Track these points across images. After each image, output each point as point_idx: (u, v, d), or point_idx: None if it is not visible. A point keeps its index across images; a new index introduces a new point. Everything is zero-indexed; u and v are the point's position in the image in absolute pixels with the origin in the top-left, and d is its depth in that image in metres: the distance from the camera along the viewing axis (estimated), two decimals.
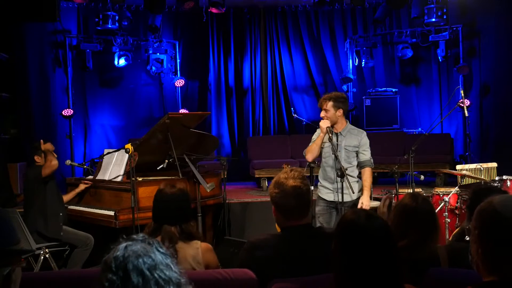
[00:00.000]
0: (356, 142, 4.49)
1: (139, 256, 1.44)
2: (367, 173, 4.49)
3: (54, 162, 4.91)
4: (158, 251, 1.49)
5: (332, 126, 4.45)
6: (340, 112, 4.47)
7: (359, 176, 4.55)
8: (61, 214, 5.05)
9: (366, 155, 4.51)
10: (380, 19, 9.39)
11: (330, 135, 4.32)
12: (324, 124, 4.37)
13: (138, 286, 1.41)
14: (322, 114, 4.48)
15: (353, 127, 4.62)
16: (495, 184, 5.18)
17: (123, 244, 1.48)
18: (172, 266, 1.48)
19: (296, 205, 2.49)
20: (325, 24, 10.27)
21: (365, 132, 4.59)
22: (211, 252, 2.83)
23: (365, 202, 4.41)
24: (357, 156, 4.52)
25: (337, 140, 4.41)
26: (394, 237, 2.56)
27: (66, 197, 5.42)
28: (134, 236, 1.51)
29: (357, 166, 4.54)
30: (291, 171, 2.57)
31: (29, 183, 5.04)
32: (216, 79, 10.14)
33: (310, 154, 4.48)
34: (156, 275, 1.43)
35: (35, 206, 4.93)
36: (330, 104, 4.45)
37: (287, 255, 2.42)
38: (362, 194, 4.46)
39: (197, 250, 2.75)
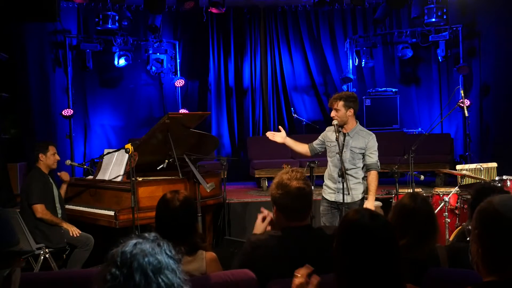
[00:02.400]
0: (363, 144, 4.43)
1: (145, 255, 1.43)
2: (372, 176, 4.42)
3: (39, 215, 4.95)
4: (166, 254, 1.47)
5: (342, 126, 4.43)
6: (350, 112, 4.42)
7: (364, 178, 4.52)
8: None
9: (372, 158, 4.44)
10: (380, 19, 9.39)
11: (338, 134, 4.31)
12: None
13: (139, 286, 1.40)
14: (333, 113, 4.44)
15: (362, 128, 4.55)
16: (496, 184, 5.19)
17: (133, 241, 1.46)
18: (177, 271, 1.46)
19: (300, 207, 2.48)
20: (325, 24, 10.27)
21: (374, 135, 4.50)
22: (216, 262, 2.74)
23: (370, 208, 4.39)
24: (363, 158, 4.47)
25: (343, 140, 4.38)
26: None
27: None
28: (146, 235, 1.50)
29: (363, 168, 4.51)
30: (292, 172, 2.55)
31: (23, 200, 5.08)
32: (216, 79, 10.15)
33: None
34: (159, 278, 1.41)
35: (32, 222, 4.93)
36: (341, 103, 4.40)
37: (287, 255, 2.42)
38: (367, 197, 4.45)
39: (201, 262, 2.68)
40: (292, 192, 2.46)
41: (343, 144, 4.37)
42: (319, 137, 4.68)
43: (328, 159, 4.58)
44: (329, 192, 4.52)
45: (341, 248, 1.75)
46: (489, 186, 3.21)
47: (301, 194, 2.47)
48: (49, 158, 5.16)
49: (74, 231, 5.01)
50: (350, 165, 4.41)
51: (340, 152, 4.28)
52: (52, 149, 5.20)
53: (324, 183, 4.62)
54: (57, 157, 5.25)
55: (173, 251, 1.50)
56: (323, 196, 4.59)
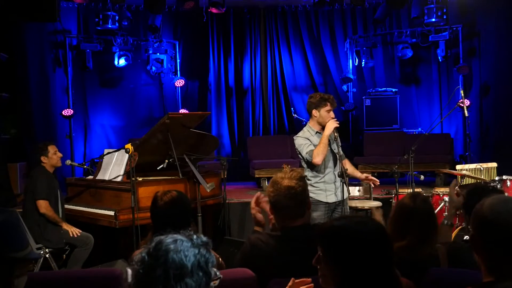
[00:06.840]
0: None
1: (177, 254, 1.41)
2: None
3: (42, 210, 4.94)
4: (199, 264, 1.43)
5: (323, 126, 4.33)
6: None
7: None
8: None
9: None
10: (380, 19, 9.39)
11: (336, 134, 4.29)
12: (333, 124, 4.24)
13: (158, 280, 1.40)
14: (332, 115, 4.33)
15: None
16: (496, 184, 5.18)
17: (178, 236, 1.45)
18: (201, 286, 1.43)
19: (288, 205, 2.49)
20: (325, 24, 10.27)
21: None
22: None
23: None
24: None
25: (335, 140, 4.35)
26: (393, 237, 2.57)
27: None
28: (195, 237, 1.48)
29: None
30: (290, 171, 2.56)
31: (29, 193, 5.06)
32: (216, 79, 10.15)
33: (321, 156, 4.19)
34: (178, 283, 1.40)
35: (33, 218, 4.94)
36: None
37: (286, 255, 2.42)
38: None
39: None
40: (281, 190, 2.49)
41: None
42: (308, 145, 4.38)
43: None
44: (330, 194, 4.31)
45: (329, 258, 1.67)
46: (479, 187, 3.21)
47: (290, 192, 2.47)
48: (51, 158, 5.17)
49: (74, 231, 5.01)
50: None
51: (340, 153, 4.26)
52: (51, 149, 5.19)
53: (318, 189, 4.31)
54: (59, 154, 5.26)
55: (211, 265, 1.46)
56: (318, 201, 4.26)
